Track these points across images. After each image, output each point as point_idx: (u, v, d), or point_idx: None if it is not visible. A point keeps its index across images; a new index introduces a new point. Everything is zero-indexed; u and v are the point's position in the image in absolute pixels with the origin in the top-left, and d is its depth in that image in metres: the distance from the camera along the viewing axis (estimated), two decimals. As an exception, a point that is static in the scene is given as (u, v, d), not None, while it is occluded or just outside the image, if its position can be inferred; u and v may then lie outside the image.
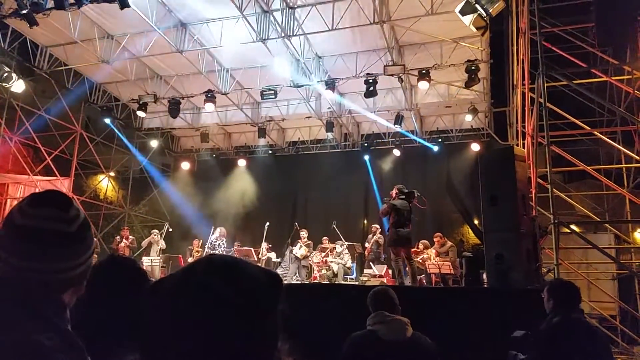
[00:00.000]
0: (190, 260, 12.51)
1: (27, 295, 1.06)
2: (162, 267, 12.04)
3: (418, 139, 14.72)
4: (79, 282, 1.18)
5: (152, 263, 11.43)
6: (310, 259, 12.10)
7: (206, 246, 12.00)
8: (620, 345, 9.25)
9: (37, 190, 12.92)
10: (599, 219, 10.15)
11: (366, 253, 11.49)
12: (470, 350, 5.35)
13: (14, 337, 0.99)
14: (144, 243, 12.84)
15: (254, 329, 0.85)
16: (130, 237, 12.75)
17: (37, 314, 1.06)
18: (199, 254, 12.53)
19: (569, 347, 3.04)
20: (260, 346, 0.85)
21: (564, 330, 3.15)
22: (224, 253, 11.18)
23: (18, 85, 11.62)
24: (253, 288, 0.88)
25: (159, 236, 12.67)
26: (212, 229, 12.22)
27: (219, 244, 11.90)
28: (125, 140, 15.63)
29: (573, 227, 8.73)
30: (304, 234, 12.03)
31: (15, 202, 13.64)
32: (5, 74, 11.30)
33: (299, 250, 11.61)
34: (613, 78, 9.94)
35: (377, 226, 11.71)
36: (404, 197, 8.46)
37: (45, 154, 13.42)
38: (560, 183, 11.34)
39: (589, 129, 9.62)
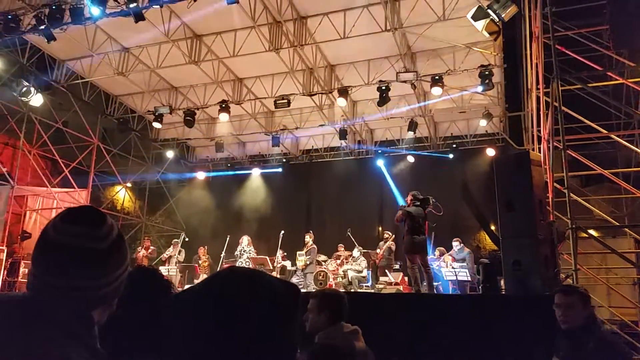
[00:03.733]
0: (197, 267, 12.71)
1: (60, 313, 1.06)
2: (179, 277, 12.14)
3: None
4: (110, 299, 1.17)
5: (169, 273, 11.51)
6: (325, 266, 12.08)
7: (236, 254, 12.15)
8: (642, 351, 9.06)
9: (55, 202, 13.18)
10: (617, 223, 9.98)
11: (377, 260, 11.46)
12: (487, 357, 5.31)
13: (48, 354, 1.00)
14: (164, 255, 12.92)
15: (274, 338, 0.88)
16: (151, 247, 12.84)
17: (69, 331, 1.06)
18: (207, 264, 12.63)
19: None
20: (279, 355, 0.88)
21: (619, 343, 2.88)
22: (249, 259, 11.32)
23: (36, 99, 11.86)
24: (273, 298, 0.90)
25: (178, 248, 12.73)
26: (240, 239, 12.37)
27: (249, 250, 12.04)
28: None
29: (591, 231, 8.60)
30: (307, 238, 11.95)
31: (34, 214, 13.96)
32: (24, 89, 11.56)
33: (298, 261, 11.64)
34: (629, 80, 9.78)
35: (389, 233, 11.69)
36: (419, 203, 8.44)
37: (63, 166, 13.63)
38: (577, 187, 11.19)
39: (606, 132, 9.50)
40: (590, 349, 2.76)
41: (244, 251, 12.03)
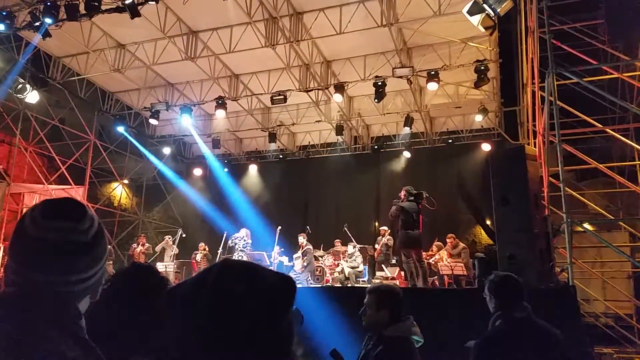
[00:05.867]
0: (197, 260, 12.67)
1: (47, 307, 1.06)
2: (176, 272, 12.15)
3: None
4: (94, 290, 1.17)
5: (166, 269, 11.53)
6: (322, 262, 12.10)
7: (228, 244, 12.03)
8: (637, 344, 9.14)
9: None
10: (612, 217, 10.04)
11: (376, 255, 11.49)
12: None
13: (39, 349, 1.00)
14: (158, 248, 13.00)
15: (269, 330, 0.87)
16: (147, 244, 12.87)
17: (57, 325, 1.06)
18: (205, 260, 12.61)
19: (516, 354, 2.63)
20: (274, 347, 0.88)
21: (507, 335, 2.74)
22: (245, 253, 11.18)
23: (32, 96, 11.83)
24: (267, 290, 0.90)
25: (172, 242, 12.78)
26: (239, 230, 12.33)
27: (243, 244, 11.92)
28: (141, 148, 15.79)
29: (586, 225, 8.66)
30: (301, 239, 11.72)
31: (31, 211, 13.95)
32: (20, 85, 11.53)
33: (295, 265, 11.57)
34: (624, 74, 9.84)
35: (385, 228, 11.71)
36: (412, 198, 8.48)
37: (60, 163, 13.62)
38: (572, 181, 11.25)
39: (601, 126, 9.55)
40: (479, 340, 2.83)
41: (240, 241, 11.89)
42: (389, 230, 11.62)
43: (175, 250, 12.74)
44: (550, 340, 2.73)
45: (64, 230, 1.10)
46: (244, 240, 11.96)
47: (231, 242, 11.98)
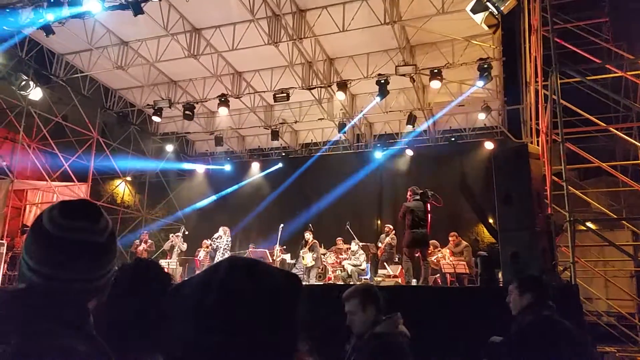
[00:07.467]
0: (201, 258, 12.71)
1: (59, 304, 1.09)
2: (180, 269, 12.18)
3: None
4: (103, 291, 1.20)
5: (169, 266, 11.55)
6: (324, 260, 12.10)
7: (209, 242, 12.10)
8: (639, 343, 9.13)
9: (55, 196, 13.18)
10: (615, 216, 10.02)
11: (379, 253, 11.48)
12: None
13: (50, 344, 1.02)
14: (167, 246, 12.98)
15: (275, 328, 0.87)
16: (149, 241, 12.88)
17: (68, 322, 1.08)
18: (208, 256, 12.64)
19: (544, 350, 2.69)
20: (280, 345, 0.88)
21: (538, 332, 2.81)
22: (225, 250, 11.24)
23: (35, 93, 11.83)
24: (274, 288, 0.90)
25: (181, 238, 12.78)
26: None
27: (223, 243, 11.95)
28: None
29: (589, 224, 8.65)
30: (308, 235, 11.80)
31: (33, 208, 13.97)
32: (23, 82, 11.52)
33: (305, 259, 11.60)
34: (628, 73, 9.80)
35: (390, 226, 11.70)
36: (418, 197, 8.50)
37: (63, 160, 13.63)
38: (575, 180, 11.23)
39: (604, 125, 9.52)
40: (512, 334, 2.93)
41: (220, 240, 11.90)
42: (394, 230, 11.60)
43: (184, 246, 12.76)
44: (580, 338, 2.84)
45: (82, 230, 1.13)
46: (224, 239, 12.00)
47: (212, 243, 11.99)
